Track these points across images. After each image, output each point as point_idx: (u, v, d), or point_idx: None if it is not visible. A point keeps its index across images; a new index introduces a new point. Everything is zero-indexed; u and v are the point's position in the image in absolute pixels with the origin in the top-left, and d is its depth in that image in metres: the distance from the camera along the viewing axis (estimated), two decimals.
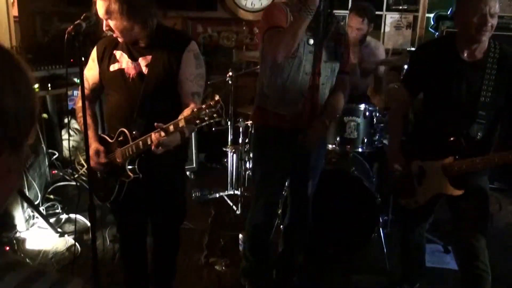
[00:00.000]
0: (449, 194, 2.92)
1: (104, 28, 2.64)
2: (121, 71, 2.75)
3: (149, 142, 2.52)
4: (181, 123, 2.34)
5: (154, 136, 2.44)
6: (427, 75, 2.90)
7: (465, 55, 2.79)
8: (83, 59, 2.61)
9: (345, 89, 3.11)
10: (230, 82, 4.61)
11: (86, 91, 2.77)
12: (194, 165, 5.36)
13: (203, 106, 2.26)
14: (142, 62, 2.72)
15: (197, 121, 2.27)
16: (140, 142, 2.56)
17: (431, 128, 2.96)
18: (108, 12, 2.57)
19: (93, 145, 2.77)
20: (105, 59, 2.78)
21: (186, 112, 2.36)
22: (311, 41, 2.88)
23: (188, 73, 2.70)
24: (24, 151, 0.94)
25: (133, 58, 2.75)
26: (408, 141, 3.11)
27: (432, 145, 2.94)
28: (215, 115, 2.25)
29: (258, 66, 3.25)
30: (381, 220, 4.02)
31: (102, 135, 2.84)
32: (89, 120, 2.79)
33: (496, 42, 2.80)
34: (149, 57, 2.72)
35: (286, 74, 2.91)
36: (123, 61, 2.76)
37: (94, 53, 2.85)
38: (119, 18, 2.58)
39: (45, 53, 5.02)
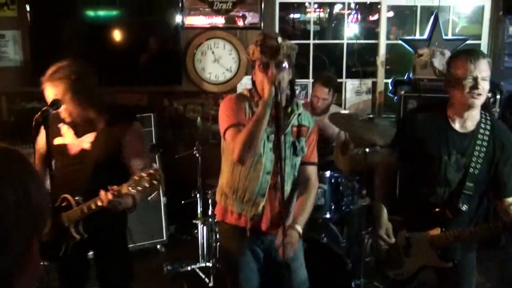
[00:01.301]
0: (438, 266, 2.91)
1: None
2: (64, 146, 2.93)
3: (93, 207, 2.71)
4: (123, 190, 2.61)
5: (104, 196, 2.65)
6: (417, 141, 2.86)
7: (457, 125, 2.79)
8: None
9: (311, 182, 2.99)
10: (197, 154, 4.67)
11: (37, 153, 2.95)
12: (165, 237, 5.33)
13: (144, 174, 2.56)
14: (87, 139, 2.92)
15: (139, 187, 2.57)
16: (85, 207, 2.75)
17: (417, 197, 2.93)
18: (58, 98, 2.76)
19: None
20: (51, 130, 2.86)
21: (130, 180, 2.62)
22: (271, 138, 2.77)
23: (133, 152, 2.92)
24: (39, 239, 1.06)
25: (78, 135, 2.93)
26: (394, 211, 3.05)
27: (418, 215, 2.91)
28: (154, 181, 2.56)
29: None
30: (353, 285, 4.03)
31: None
32: None
33: (487, 114, 2.81)
34: (93, 135, 2.92)
35: (245, 173, 2.81)
36: (67, 136, 2.93)
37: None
38: (72, 105, 2.78)
39: (11, 133, 5.02)
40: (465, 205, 2.76)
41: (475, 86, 2.60)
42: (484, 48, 5.81)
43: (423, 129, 2.86)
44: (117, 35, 5.48)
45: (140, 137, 3.00)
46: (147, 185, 2.56)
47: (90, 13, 5.49)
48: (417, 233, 2.92)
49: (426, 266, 2.97)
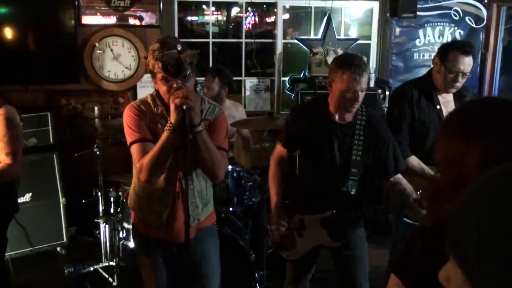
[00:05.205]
0: (329, 246, 3.15)
1: None
2: None
3: None
4: None
5: None
6: (303, 135, 3.11)
7: (337, 117, 3.05)
8: None
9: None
10: (98, 152, 4.60)
11: None
12: (65, 239, 5.18)
13: None
14: None
15: None
16: None
17: (310, 184, 3.16)
18: None
19: None
20: None
21: None
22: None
23: None
24: None
25: None
26: (289, 197, 3.25)
27: (311, 200, 3.13)
28: None
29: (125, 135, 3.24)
30: (257, 276, 4.14)
31: None
32: None
33: (362, 106, 3.08)
34: None
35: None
36: None
37: None
38: None
39: None
40: (353, 189, 3.04)
41: (356, 98, 2.90)
42: (373, 48, 6.17)
43: (308, 121, 3.11)
44: (9, 32, 5.26)
45: (9, 120, 3.13)
46: None
47: None
48: (310, 215, 3.14)
49: (319, 246, 3.19)
